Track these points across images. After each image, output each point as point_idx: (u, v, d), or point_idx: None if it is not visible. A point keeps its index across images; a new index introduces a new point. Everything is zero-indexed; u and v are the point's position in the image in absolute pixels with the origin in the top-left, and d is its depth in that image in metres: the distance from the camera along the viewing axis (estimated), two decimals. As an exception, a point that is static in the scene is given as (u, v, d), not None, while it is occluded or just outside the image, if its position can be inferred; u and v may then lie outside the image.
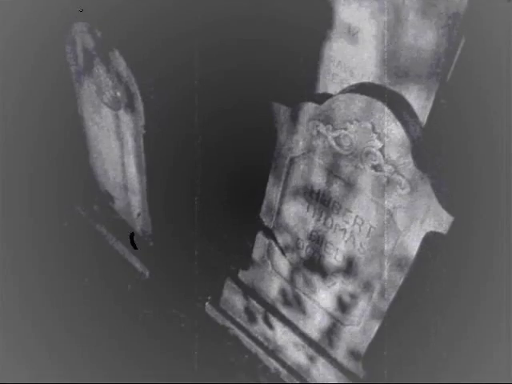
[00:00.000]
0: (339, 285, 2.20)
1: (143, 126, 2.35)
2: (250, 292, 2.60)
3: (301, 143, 1.95)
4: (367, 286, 2.09)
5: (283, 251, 2.34)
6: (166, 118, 2.43)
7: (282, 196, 2.18)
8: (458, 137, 2.66)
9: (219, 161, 3.12)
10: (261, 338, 2.67)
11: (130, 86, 2.24)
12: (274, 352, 2.63)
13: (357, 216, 1.96)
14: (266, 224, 2.32)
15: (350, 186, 1.90)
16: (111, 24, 2.26)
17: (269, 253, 2.40)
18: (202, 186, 2.97)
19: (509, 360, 2.47)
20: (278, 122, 1.97)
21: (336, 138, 1.82)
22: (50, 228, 3.10)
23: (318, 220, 2.11)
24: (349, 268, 2.12)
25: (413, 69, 2.38)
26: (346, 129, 1.77)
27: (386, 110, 1.65)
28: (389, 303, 2.03)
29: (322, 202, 2.05)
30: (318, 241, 2.16)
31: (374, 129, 1.70)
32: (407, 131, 1.65)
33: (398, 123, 1.64)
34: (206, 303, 2.81)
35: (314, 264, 2.25)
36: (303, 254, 2.26)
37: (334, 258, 2.15)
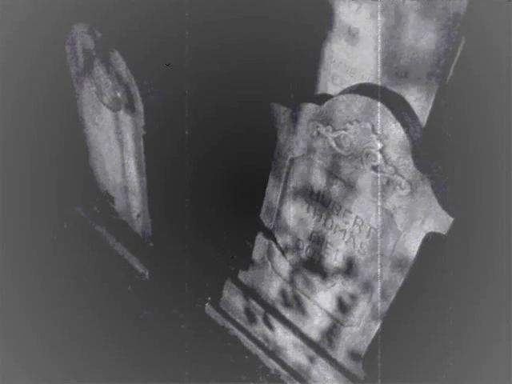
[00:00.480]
0: (339, 285, 2.20)
1: (143, 126, 2.35)
2: (250, 293, 2.60)
3: (301, 144, 1.95)
4: (367, 287, 2.09)
5: (283, 252, 2.34)
6: (166, 119, 2.43)
7: (282, 197, 2.18)
8: (458, 137, 2.66)
9: (219, 162, 3.12)
10: (261, 339, 2.67)
11: (130, 86, 2.24)
12: (274, 353, 2.63)
13: (357, 217, 1.96)
14: (266, 225, 2.32)
15: (349, 186, 1.90)
16: (111, 25, 2.26)
17: (269, 253, 2.39)
18: (202, 187, 2.97)
19: (509, 360, 2.48)
20: (278, 123, 1.97)
21: (336, 139, 1.82)
22: (51, 228, 3.10)
23: (318, 221, 2.11)
24: (349, 269, 2.12)
25: (413, 69, 2.38)
26: (346, 129, 1.77)
27: (386, 110, 1.65)
28: (389, 304, 2.04)
29: (322, 202, 2.05)
30: (318, 242, 2.16)
31: (374, 130, 1.70)
32: (407, 132, 1.65)
33: (398, 124, 1.64)
34: (206, 304, 2.81)
35: (314, 265, 2.25)
36: (303, 254, 2.26)
37: (334, 258, 2.15)
